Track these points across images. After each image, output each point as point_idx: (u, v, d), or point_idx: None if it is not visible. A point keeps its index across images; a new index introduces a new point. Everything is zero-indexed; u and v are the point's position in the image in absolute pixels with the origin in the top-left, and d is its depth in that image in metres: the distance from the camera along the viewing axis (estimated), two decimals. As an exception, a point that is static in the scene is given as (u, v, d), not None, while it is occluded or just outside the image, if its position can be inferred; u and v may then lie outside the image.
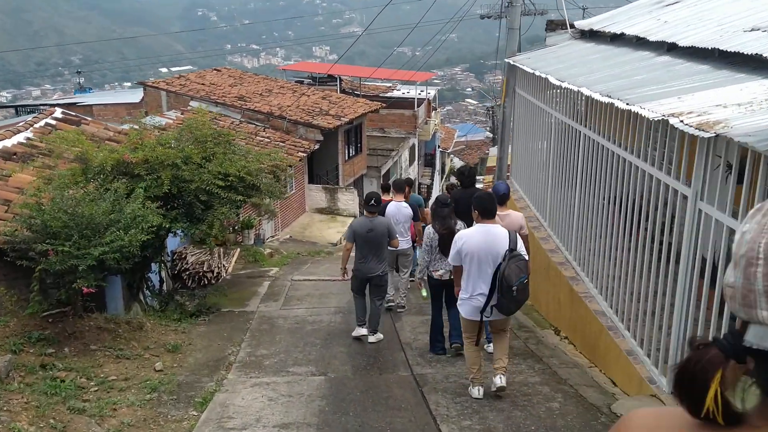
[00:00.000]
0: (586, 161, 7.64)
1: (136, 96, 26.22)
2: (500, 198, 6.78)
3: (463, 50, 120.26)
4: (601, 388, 6.23)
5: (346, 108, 25.04)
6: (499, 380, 5.78)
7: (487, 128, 57.59)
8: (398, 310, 9.22)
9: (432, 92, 35.96)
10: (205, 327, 8.90)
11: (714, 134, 4.42)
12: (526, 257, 5.71)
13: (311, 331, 8.60)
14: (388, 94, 32.86)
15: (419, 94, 32.84)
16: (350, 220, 22.76)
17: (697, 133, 4.59)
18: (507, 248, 5.45)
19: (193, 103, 21.35)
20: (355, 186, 25.17)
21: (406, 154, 31.99)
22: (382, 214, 8.18)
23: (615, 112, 6.78)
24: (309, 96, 26.11)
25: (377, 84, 36.14)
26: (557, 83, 7.94)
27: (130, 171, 8.89)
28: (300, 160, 21.07)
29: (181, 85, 25.05)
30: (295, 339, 8.24)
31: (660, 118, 5.17)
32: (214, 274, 12.97)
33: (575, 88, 7.21)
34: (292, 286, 11.72)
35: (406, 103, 32.35)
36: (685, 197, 5.43)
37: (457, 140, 46.90)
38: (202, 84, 25.62)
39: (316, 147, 22.26)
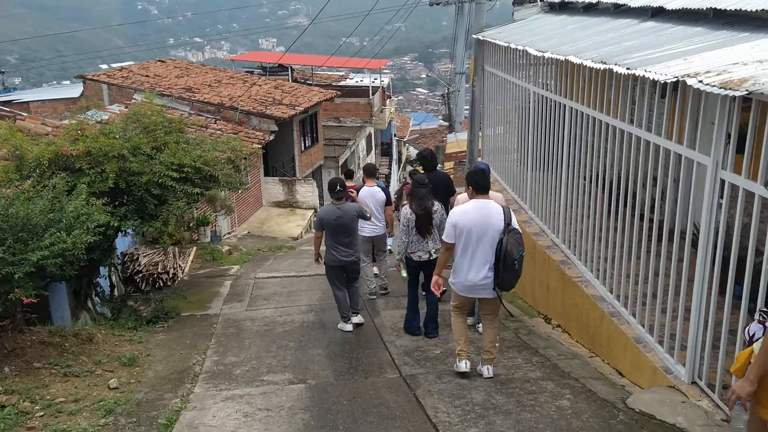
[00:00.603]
0: (574, 137, 7.12)
1: (75, 91, 24.79)
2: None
3: (411, 39, 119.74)
4: (609, 380, 5.73)
5: (300, 97, 24.19)
6: (487, 371, 5.76)
7: (441, 116, 57.37)
8: (381, 291, 9.00)
9: (386, 80, 35.35)
10: (164, 334, 8.09)
11: (746, 92, 3.91)
12: (520, 231, 5.61)
13: (283, 332, 7.88)
14: (341, 83, 32.10)
15: (373, 82, 32.17)
16: (310, 212, 21.99)
17: (723, 92, 4.08)
18: (504, 222, 5.40)
19: (137, 96, 20.21)
20: (314, 177, 24.38)
21: (363, 143, 31.32)
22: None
23: (608, 82, 6.26)
24: (260, 86, 25.15)
25: (329, 73, 35.33)
26: (537, 54, 7.40)
27: (70, 165, 7.98)
28: (255, 152, 20.16)
29: (123, 77, 23.79)
30: (266, 343, 7.51)
31: (673, 80, 4.65)
32: (170, 276, 12.08)
33: (561, 57, 6.68)
34: (256, 284, 10.95)
35: (360, 91, 31.67)
36: (699, 168, 4.95)
37: (411, 129, 46.41)
38: (146, 76, 24.39)
39: (271, 138, 21.37)
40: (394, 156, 36.97)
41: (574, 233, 7.21)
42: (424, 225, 6.71)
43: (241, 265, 13.60)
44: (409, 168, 40.49)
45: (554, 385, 5.61)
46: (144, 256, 12.47)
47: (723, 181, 4.58)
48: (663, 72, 4.82)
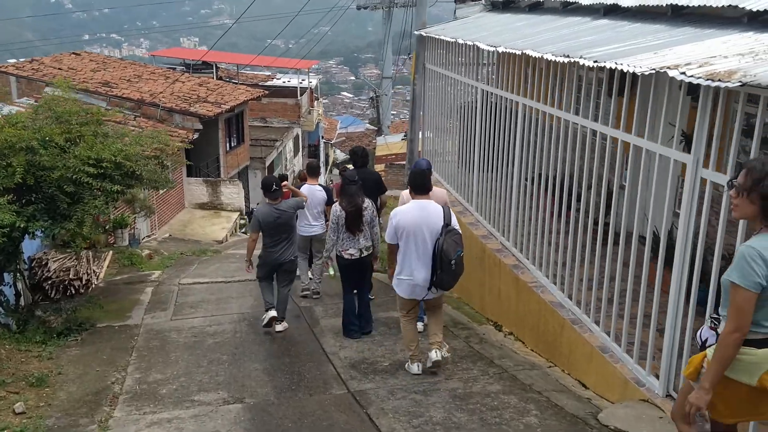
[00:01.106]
0: (527, 136, 6.77)
1: (-22, 83, 22.82)
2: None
3: (337, 44, 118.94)
4: (574, 393, 5.35)
5: (226, 95, 23.17)
6: (435, 354, 5.66)
7: (368, 120, 57.03)
8: (314, 296, 8.76)
9: (314, 81, 34.65)
10: (77, 349, 7.20)
11: (739, 83, 3.59)
12: (460, 231, 5.53)
13: (214, 345, 7.14)
14: (269, 83, 31.15)
15: (301, 83, 31.41)
16: (235, 215, 21.05)
17: (712, 84, 3.75)
18: (442, 223, 5.35)
19: (48, 90, 18.72)
20: (240, 178, 23.40)
21: (290, 145, 30.48)
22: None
23: (565, 78, 5.94)
24: (184, 83, 23.96)
25: (256, 72, 34.29)
26: (489, 49, 7.01)
27: (-31, 158, 6.98)
28: (178, 150, 19.06)
29: (33, 69, 22.08)
30: (195, 357, 6.76)
31: (650, 72, 4.31)
32: (83, 282, 11.01)
33: (517, 52, 6.30)
34: (181, 291, 10.10)
35: (288, 91, 30.84)
36: (661, 168, 4.67)
37: (338, 132, 45.82)
38: (59, 69, 22.71)
39: (195, 137, 20.30)
40: (322, 158, 36.25)
41: (525, 236, 6.85)
42: (355, 222, 6.59)
43: (163, 270, 12.65)
44: (335, 171, 39.88)
45: (517, 399, 5.19)
46: (54, 261, 11.34)
47: (703, 180, 4.26)
48: (637, 64, 4.47)
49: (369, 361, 6.37)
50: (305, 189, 8.27)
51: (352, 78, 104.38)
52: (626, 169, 5.46)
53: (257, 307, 8.71)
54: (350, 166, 8.90)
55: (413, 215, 5.43)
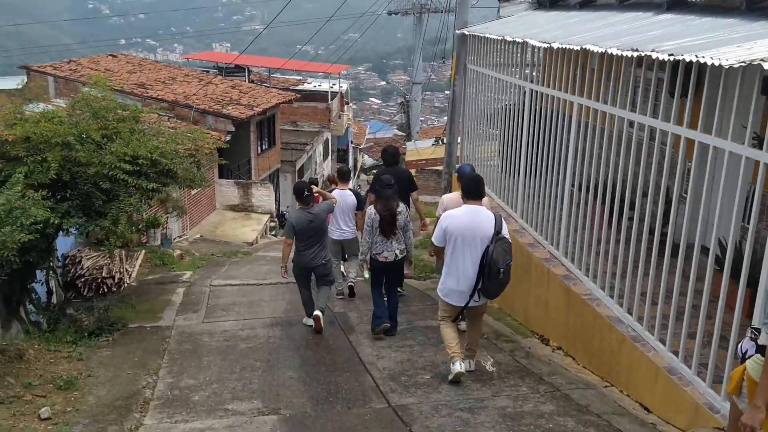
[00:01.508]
0: (579, 139, 6.34)
1: (17, 82, 22.97)
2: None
3: (366, 50, 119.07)
4: (635, 416, 4.90)
5: (258, 98, 23.01)
6: (468, 365, 5.69)
7: (396, 126, 56.77)
8: (350, 297, 8.68)
9: (344, 86, 34.44)
10: (108, 350, 6.92)
11: None
12: (510, 240, 5.39)
13: (247, 350, 6.82)
14: (299, 87, 30.99)
15: (331, 87, 31.21)
16: (266, 217, 20.82)
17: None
18: (493, 231, 5.23)
19: (86, 89, 18.72)
20: (270, 181, 23.20)
21: (320, 149, 30.27)
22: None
23: (620, 77, 5.51)
24: (217, 85, 23.86)
25: (287, 77, 34.19)
26: (542, 45, 6.59)
27: (5, 152, 6.76)
28: (220, 145, 18.91)
29: (71, 70, 22.16)
30: (228, 362, 6.44)
31: (740, 65, 3.87)
32: (116, 281, 10.81)
33: (575, 47, 5.89)
34: (213, 292, 9.81)
35: (319, 96, 30.65)
36: (747, 169, 4.21)
37: (366, 138, 45.58)
38: (96, 70, 22.71)
39: (227, 139, 20.13)
40: (350, 163, 36.00)
41: (577, 246, 6.42)
42: (389, 226, 6.53)
43: (194, 270, 12.40)
44: (362, 177, 39.61)
45: (574, 422, 4.75)
46: (88, 259, 11.18)
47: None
48: (722, 57, 4.04)
49: (409, 372, 5.98)
50: (336, 193, 8.17)
51: (381, 84, 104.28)
52: (689, 173, 5.01)
53: (290, 311, 8.39)
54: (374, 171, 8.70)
55: (465, 220, 5.28)
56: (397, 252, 6.65)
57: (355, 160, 38.48)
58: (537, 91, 7.30)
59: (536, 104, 7.36)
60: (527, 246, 7.27)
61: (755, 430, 2.84)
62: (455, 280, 5.35)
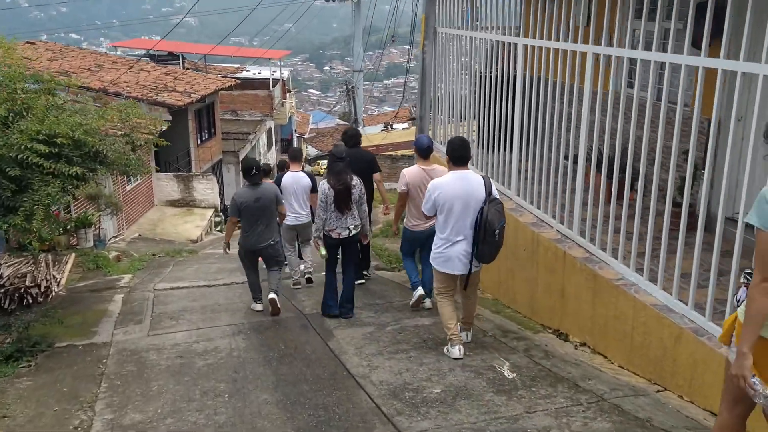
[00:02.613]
0: (595, 101, 5.31)
1: None
2: (425, 151, 6.32)
3: (301, 41, 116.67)
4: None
5: (195, 84, 21.34)
6: (466, 336, 5.53)
7: (338, 116, 55.37)
8: (308, 284, 8.35)
9: (285, 73, 32.86)
10: (30, 379, 5.51)
11: None
12: (501, 201, 5.24)
13: (206, 368, 5.53)
14: (238, 75, 29.27)
15: (272, 74, 29.63)
16: (210, 212, 19.28)
17: None
18: (485, 193, 5.07)
19: (1, 77, 16.72)
20: (213, 173, 21.59)
21: (263, 138, 28.69)
22: (278, 183, 7.91)
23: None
24: (149, 72, 22.06)
25: (224, 65, 32.35)
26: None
27: None
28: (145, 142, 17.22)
29: (-18, 58, 19.94)
30: (184, 386, 5.14)
31: None
32: (42, 290, 9.24)
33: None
34: (158, 298, 8.42)
35: (259, 83, 29.05)
36: None
37: (309, 127, 44.09)
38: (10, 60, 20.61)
39: (164, 129, 18.44)
40: (295, 153, 34.48)
41: (599, 224, 5.40)
42: (343, 201, 6.30)
43: (134, 273, 10.92)
44: (307, 167, 38.11)
45: (643, 443, 3.72)
46: (7, 266, 9.54)
47: None
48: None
49: (413, 387, 4.84)
50: (288, 176, 7.99)
51: (318, 75, 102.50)
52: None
53: (253, 315, 7.15)
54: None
55: (456, 186, 5.08)
56: (351, 228, 6.42)
57: (300, 151, 36.90)
58: (535, 47, 6.23)
59: (531, 64, 6.31)
60: (530, 226, 6.23)
61: (747, 378, 2.66)
62: (449, 248, 5.16)
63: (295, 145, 34.45)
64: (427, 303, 6.61)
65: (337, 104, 66.10)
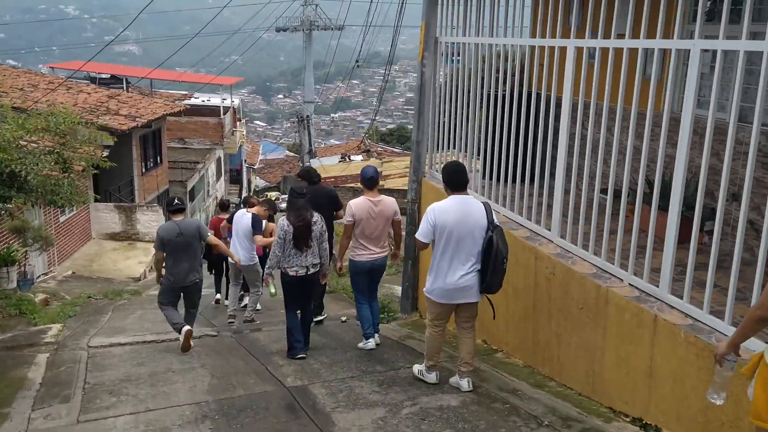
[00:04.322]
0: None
1: None
2: (369, 181, 6.15)
3: (248, 73, 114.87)
4: None
5: (141, 108, 19.40)
6: (467, 384, 4.97)
7: (286, 147, 53.72)
8: (249, 321, 8.30)
9: (236, 100, 31.08)
10: None
11: None
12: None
13: (164, 485, 3.78)
14: (189, 102, 27.34)
15: (223, 101, 27.84)
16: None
17: None
18: (487, 220, 4.74)
19: None
20: (158, 203, 19.52)
21: (213, 168, 26.72)
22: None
23: None
24: (90, 94, 20.00)
25: (172, 92, 30.32)
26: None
27: None
28: (83, 170, 15.13)
29: None
30: None
31: None
32: (-57, 348, 7.22)
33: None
34: (93, 359, 6.56)
35: (208, 110, 27.19)
36: None
37: (259, 158, 42.25)
38: (-67, 79, 18.21)
39: (105, 155, 16.40)
40: (244, 184, 32.53)
41: (709, 277, 4.00)
42: (303, 238, 5.99)
43: (65, 322, 8.99)
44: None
45: None
46: None
47: None
48: None
49: None
50: (237, 215, 8.08)
51: (265, 107, 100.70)
52: None
53: (221, 387, 5.43)
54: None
55: (456, 211, 4.75)
56: (309, 266, 6.09)
57: (249, 181, 34.97)
58: (599, 49, 4.85)
59: (582, 72, 4.94)
60: (591, 277, 4.77)
61: (718, 356, 3.00)
62: (445, 277, 4.79)
63: (243, 176, 32.53)
64: (371, 343, 6.24)
65: (284, 136, 64.58)
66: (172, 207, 6.87)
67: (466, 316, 4.98)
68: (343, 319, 8.20)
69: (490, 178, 6.43)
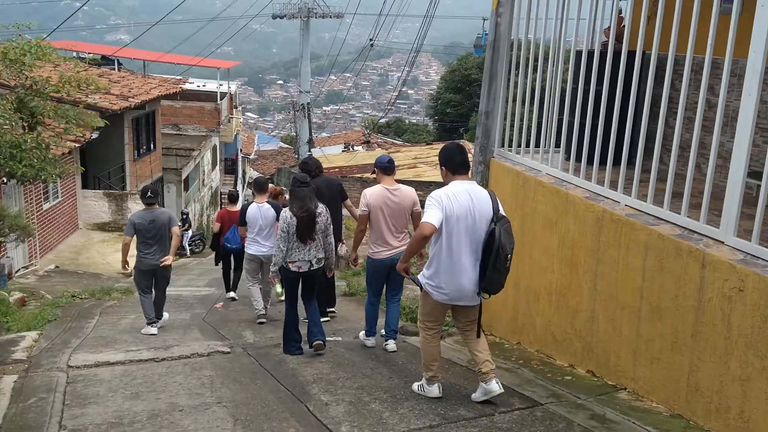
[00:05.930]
0: None
1: None
2: (388, 164, 5.61)
3: (240, 65, 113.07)
4: None
5: (134, 88, 17.57)
6: (497, 386, 4.16)
7: (280, 138, 51.93)
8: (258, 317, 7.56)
9: (233, 86, 29.25)
10: None
11: None
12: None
13: None
14: (183, 87, 25.47)
15: (219, 87, 26.03)
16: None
17: None
18: (492, 210, 4.10)
19: None
20: (152, 192, 17.72)
21: (208, 156, 24.91)
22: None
23: None
24: (79, 72, 18.04)
25: (166, 77, 28.41)
26: None
27: None
28: (69, 153, 13.33)
29: None
30: None
31: None
32: None
33: None
34: (73, 388, 4.89)
35: (204, 96, 25.39)
36: None
37: (255, 149, 40.43)
38: None
39: (93, 137, 14.62)
40: (239, 174, 30.72)
41: None
42: (307, 229, 5.52)
43: (42, 329, 7.34)
44: (249, 191, 34.53)
45: None
46: None
47: None
48: None
49: None
50: (253, 208, 7.53)
51: (257, 99, 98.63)
52: None
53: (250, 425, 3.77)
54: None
55: (465, 198, 4.07)
56: (314, 261, 5.64)
57: (244, 172, 33.13)
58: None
59: None
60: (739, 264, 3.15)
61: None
62: (453, 276, 4.10)
63: (239, 166, 30.73)
64: (390, 345, 5.65)
65: (276, 128, 62.69)
66: (146, 198, 7.06)
67: (467, 321, 4.35)
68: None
69: (599, 161, 4.81)
